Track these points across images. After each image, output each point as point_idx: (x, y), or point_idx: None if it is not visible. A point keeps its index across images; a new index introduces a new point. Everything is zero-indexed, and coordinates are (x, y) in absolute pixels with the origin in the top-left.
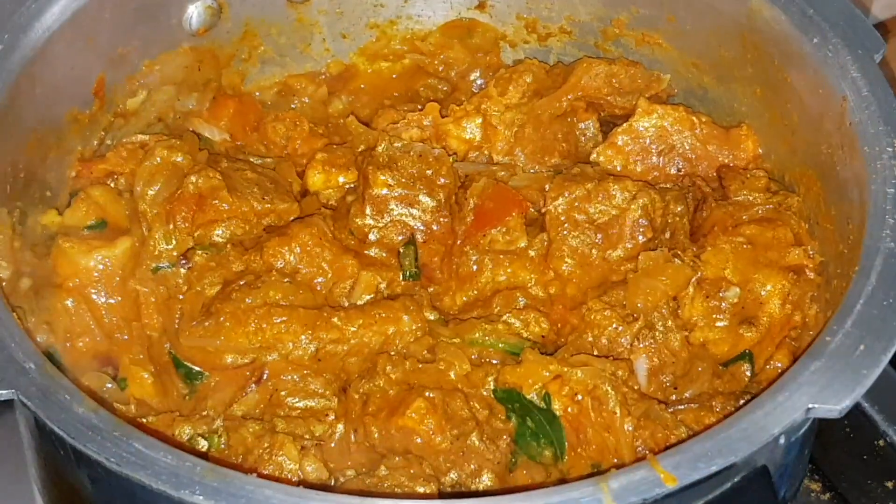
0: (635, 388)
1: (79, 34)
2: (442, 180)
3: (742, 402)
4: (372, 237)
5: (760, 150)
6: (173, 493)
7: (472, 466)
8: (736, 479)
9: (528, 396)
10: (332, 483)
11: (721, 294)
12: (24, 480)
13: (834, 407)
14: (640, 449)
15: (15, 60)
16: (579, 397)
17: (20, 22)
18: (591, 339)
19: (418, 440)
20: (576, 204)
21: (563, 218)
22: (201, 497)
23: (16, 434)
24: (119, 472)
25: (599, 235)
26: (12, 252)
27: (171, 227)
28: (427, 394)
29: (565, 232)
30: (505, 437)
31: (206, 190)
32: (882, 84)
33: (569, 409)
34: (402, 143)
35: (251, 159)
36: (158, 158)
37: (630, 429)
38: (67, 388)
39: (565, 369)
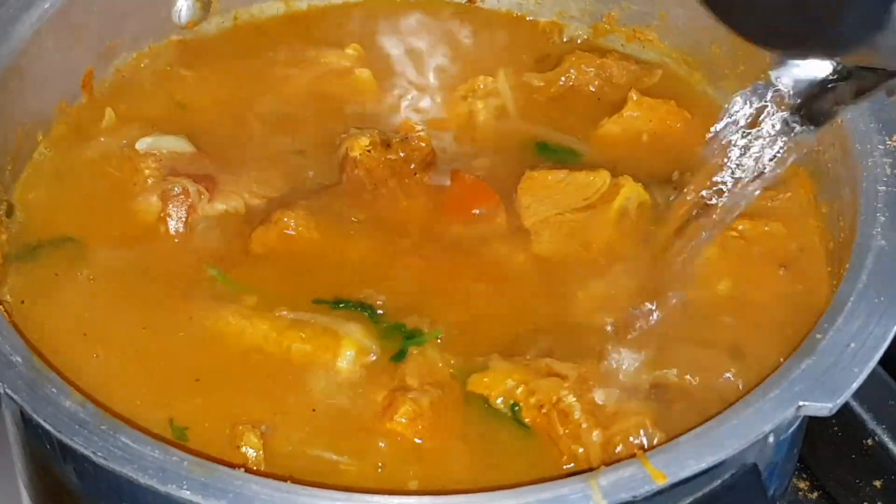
0: None
1: (67, 27)
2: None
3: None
4: None
5: None
6: (160, 488)
7: None
8: (725, 477)
9: (496, 405)
10: None
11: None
12: (10, 475)
13: (825, 405)
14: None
15: (2, 53)
16: (544, 410)
17: (7, 14)
18: None
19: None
20: None
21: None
22: (188, 492)
23: (1, 429)
24: (106, 466)
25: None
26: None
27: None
28: (413, 396)
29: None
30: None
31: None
32: None
33: (537, 420)
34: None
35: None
36: None
37: (598, 439)
38: (55, 382)
39: (529, 379)
